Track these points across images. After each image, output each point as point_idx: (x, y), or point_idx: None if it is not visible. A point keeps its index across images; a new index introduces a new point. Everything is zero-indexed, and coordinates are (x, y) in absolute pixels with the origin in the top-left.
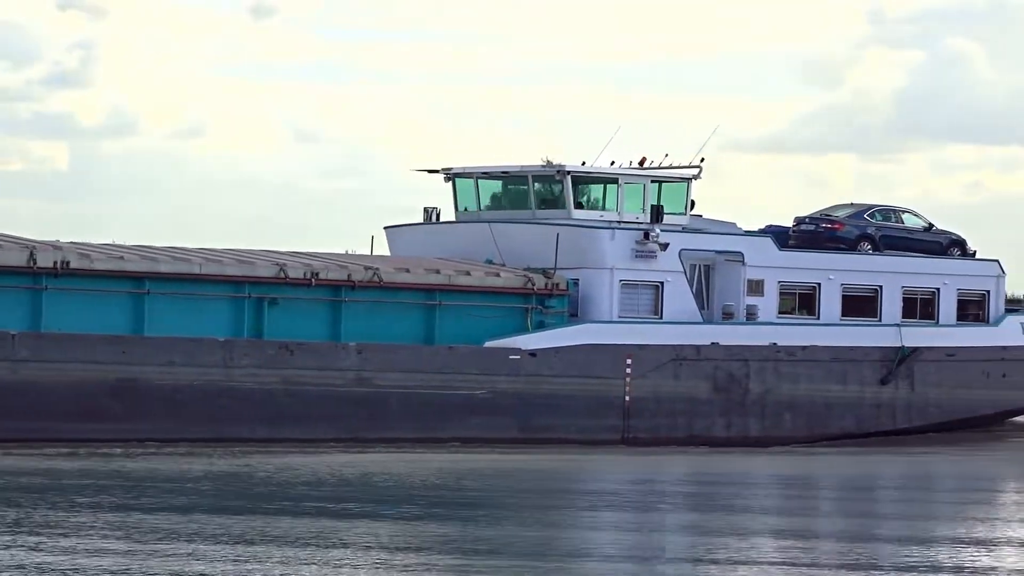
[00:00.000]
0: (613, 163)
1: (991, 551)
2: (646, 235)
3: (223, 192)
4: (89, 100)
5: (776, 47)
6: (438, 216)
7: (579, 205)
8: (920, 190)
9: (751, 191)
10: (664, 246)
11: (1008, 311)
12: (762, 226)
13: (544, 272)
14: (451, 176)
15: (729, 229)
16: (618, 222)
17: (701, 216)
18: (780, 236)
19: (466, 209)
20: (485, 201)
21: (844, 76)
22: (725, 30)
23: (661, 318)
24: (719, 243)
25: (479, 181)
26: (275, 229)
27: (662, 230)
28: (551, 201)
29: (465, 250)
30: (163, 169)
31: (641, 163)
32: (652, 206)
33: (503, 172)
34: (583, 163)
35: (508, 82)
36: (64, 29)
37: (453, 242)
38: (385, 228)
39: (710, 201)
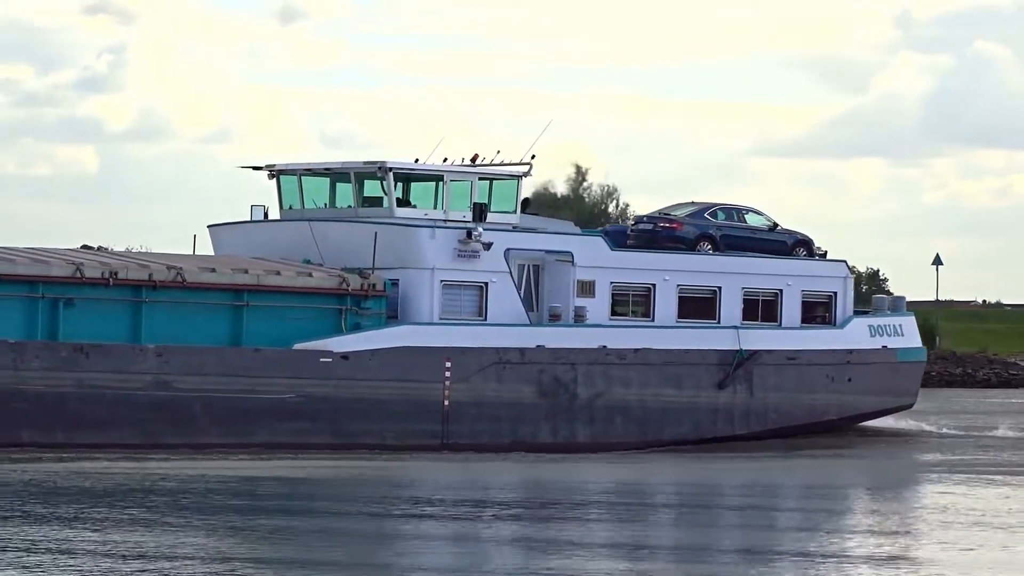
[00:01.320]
0: (446, 160)
1: (839, 564)
2: (469, 234)
3: (251, 196)
4: (118, 104)
5: (803, 52)
6: (266, 214)
7: (407, 203)
8: (948, 195)
9: (779, 195)
10: (487, 245)
11: (857, 313)
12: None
13: (360, 272)
14: (275, 173)
15: (564, 229)
16: (443, 221)
17: (537, 215)
18: (618, 236)
19: (291, 207)
20: (309, 199)
21: (871, 81)
22: (751, 34)
23: (485, 320)
24: (548, 243)
25: (302, 178)
26: None
27: (486, 229)
28: (375, 199)
29: (287, 250)
30: (191, 172)
31: (473, 160)
32: (475, 204)
33: (326, 169)
34: (416, 160)
35: (538, 85)
36: (93, 34)
37: (275, 241)
38: (209, 227)
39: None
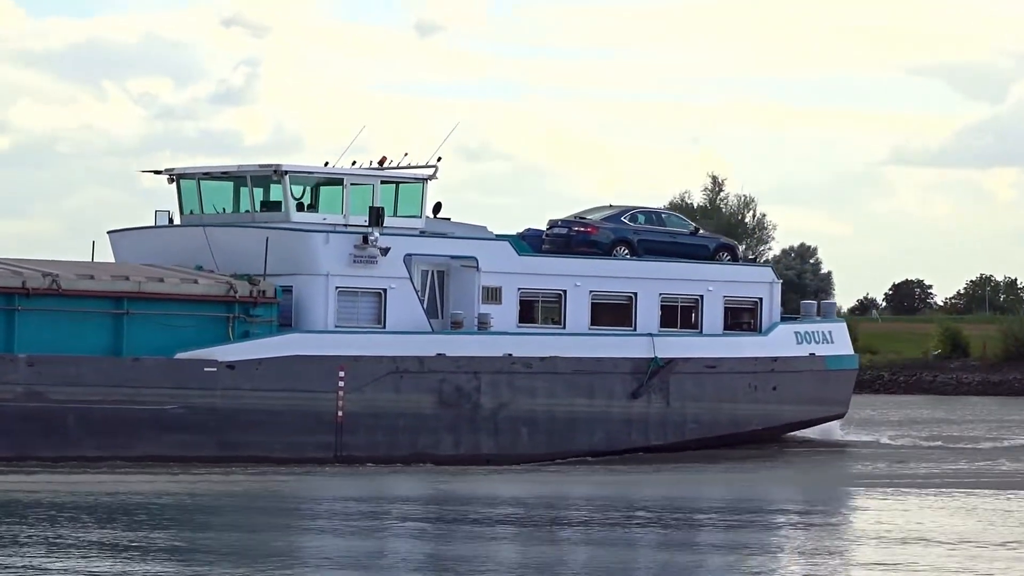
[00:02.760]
0: (354, 163)
1: None
2: (365, 239)
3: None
4: (254, 117)
5: (939, 61)
6: (171, 220)
7: (314, 208)
8: None
9: (916, 204)
10: (385, 251)
11: (784, 319)
12: (521, 229)
13: (250, 279)
14: (174, 177)
15: (473, 233)
16: (344, 226)
17: (449, 220)
18: (534, 241)
19: (191, 212)
20: (209, 204)
21: (1008, 89)
22: (888, 43)
23: (384, 328)
24: (452, 248)
25: (201, 182)
26: None
27: (386, 234)
28: (274, 203)
29: (184, 256)
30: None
31: (381, 163)
32: (371, 208)
33: (223, 173)
34: (326, 163)
35: (675, 95)
36: (228, 47)
37: (173, 247)
38: (108, 232)
39: (878, 214)
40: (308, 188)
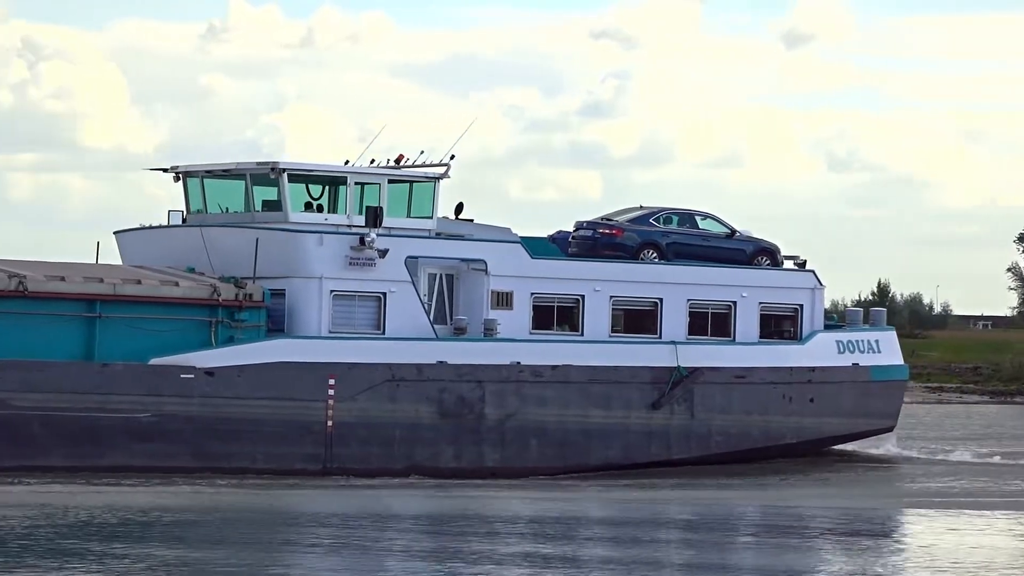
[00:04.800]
0: (373, 162)
1: None
2: (362, 240)
3: (759, 221)
4: (622, 130)
5: None
6: (184, 219)
7: (324, 208)
8: None
9: None
10: (383, 253)
11: (828, 327)
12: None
13: (236, 282)
14: (180, 175)
15: (490, 235)
16: (347, 226)
17: (471, 220)
18: (563, 243)
19: (198, 211)
20: (213, 203)
21: None
22: None
23: (384, 334)
24: (460, 250)
25: (204, 181)
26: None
27: (389, 235)
28: (275, 203)
29: (185, 257)
30: (696, 198)
31: (397, 162)
32: (367, 208)
33: (224, 171)
34: (346, 162)
35: None
36: (597, 59)
37: (176, 248)
38: (115, 233)
39: None
40: (325, 188)
